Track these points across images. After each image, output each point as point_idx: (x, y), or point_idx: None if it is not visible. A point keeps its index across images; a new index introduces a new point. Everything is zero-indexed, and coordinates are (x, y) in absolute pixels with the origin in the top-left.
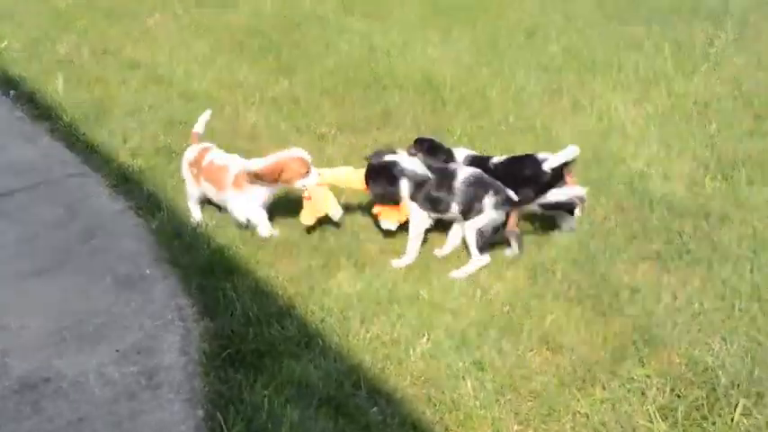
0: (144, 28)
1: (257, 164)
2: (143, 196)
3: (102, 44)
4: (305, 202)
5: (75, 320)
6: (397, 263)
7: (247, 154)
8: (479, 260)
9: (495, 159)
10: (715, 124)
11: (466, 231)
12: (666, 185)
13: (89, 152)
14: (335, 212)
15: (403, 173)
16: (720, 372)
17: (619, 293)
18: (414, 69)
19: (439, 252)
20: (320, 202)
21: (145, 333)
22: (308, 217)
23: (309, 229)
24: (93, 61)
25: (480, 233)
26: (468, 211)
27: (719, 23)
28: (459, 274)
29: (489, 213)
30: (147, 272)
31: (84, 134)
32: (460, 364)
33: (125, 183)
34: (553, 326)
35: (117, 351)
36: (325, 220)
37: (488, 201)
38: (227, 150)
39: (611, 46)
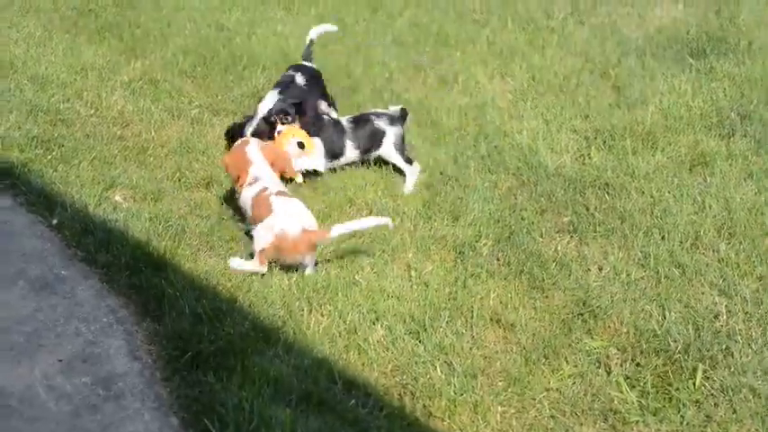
0: None
1: None
2: (32, 191)
3: None
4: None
5: None
6: None
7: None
8: (414, 169)
9: None
10: (581, 97)
11: (388, 157)
12: (556, 158)
13: None
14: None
15: None
16: (669, 339)
17: (547, 267)
18: (270, 48)
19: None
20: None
21: (84, 339)
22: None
23: None
24: None
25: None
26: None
27: None
28: (408, 187)
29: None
30: (63, 272)
31: None
32: (422, 349)
33: (4, 178)
34: (497, 303)
35: (60, 361)
36: None
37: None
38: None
39: (456, 20)
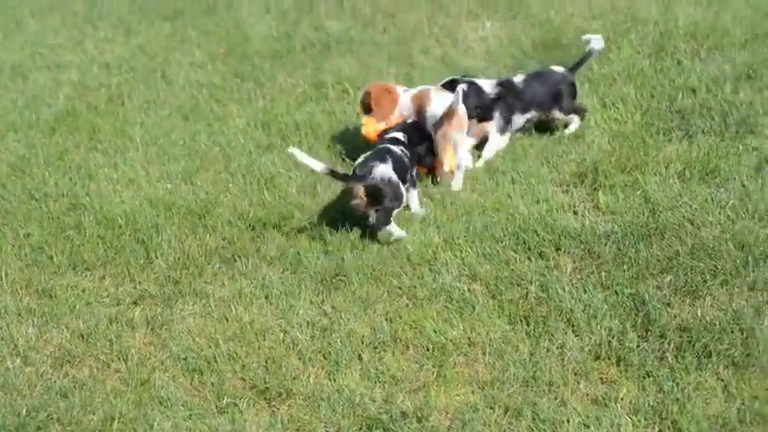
0: None
1: None
2: None
3: None
4: None
5: None
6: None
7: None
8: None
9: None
10: None
11: None
12: (563, 216)
13: None
14: None
15: None
16: None
17: (722, 341)
18: (148, 201)
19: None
20: None
21: None
22: None
23: None
24: None
25: None
26: None
27: None
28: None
29: None
30: None
31: None
32: None
33: None
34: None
35: None
36: None
37: None
38: None
39: None
